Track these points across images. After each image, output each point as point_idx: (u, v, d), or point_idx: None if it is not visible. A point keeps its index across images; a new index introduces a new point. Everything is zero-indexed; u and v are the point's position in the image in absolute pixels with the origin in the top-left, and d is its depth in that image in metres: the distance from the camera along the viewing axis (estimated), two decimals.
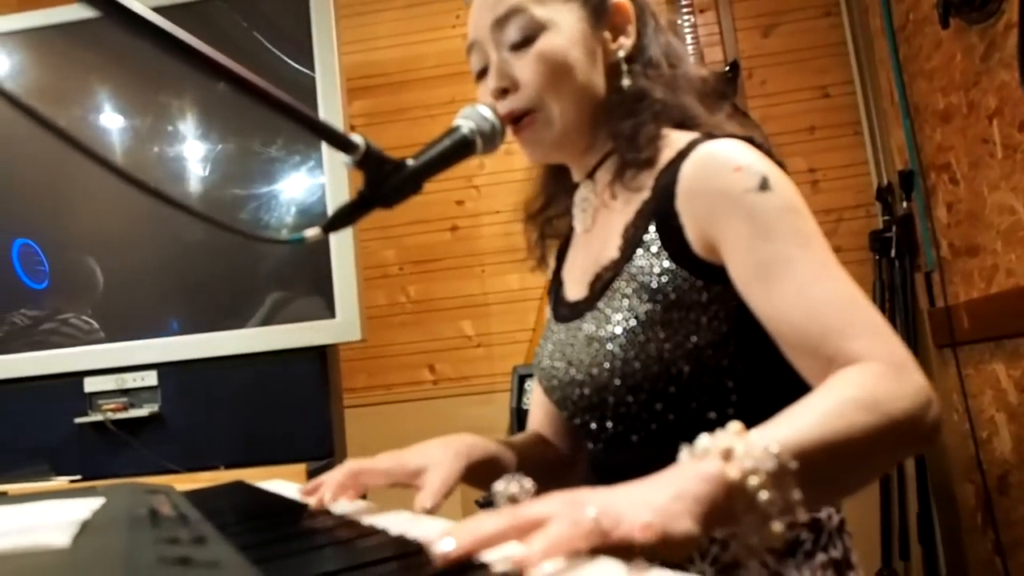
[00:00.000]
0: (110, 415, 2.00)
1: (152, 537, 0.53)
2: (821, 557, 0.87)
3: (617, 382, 0.88)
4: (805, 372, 0.79)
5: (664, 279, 0.87)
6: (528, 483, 0.84)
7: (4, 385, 2.07)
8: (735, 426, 0.60)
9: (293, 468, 1.83)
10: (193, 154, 2.16)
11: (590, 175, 1.03)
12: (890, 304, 2.62)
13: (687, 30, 2.77)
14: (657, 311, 0.86)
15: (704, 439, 0.59)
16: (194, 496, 0.97)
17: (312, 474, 1.83)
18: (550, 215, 1.14)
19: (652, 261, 0.88)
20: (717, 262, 0.85)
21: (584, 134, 0.99)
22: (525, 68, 0.94)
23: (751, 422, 0.63)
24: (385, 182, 0.82)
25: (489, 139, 0.92)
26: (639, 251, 0.90)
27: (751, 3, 2.92)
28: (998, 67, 2.02)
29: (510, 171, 2.69)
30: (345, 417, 2.26)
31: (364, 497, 0.89)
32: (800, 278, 0.78)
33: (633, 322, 0.87)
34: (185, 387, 2.04)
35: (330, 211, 0.82)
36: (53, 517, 0.63)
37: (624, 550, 0.49)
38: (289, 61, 2.11)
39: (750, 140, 0.89)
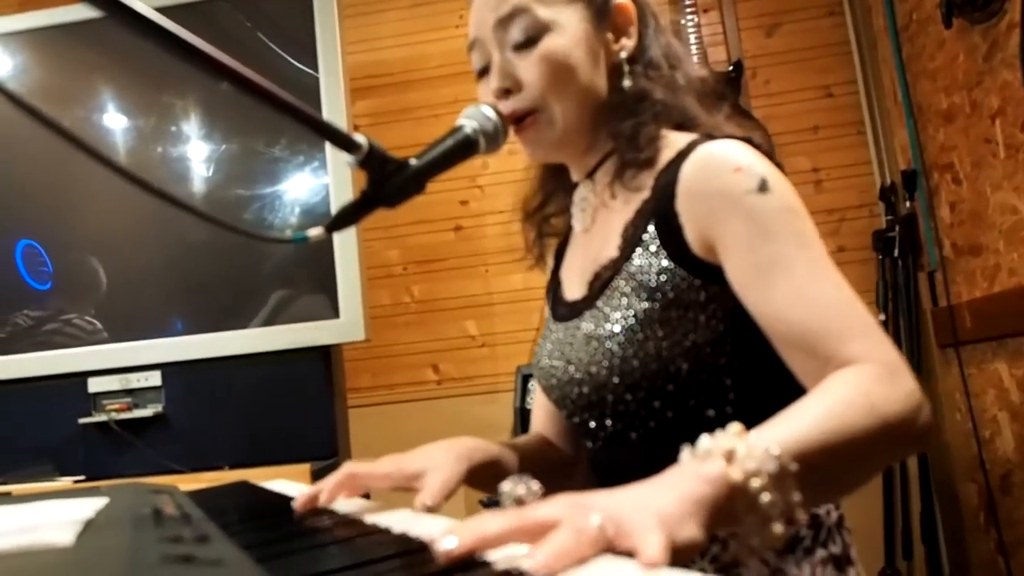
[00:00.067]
0: (114, 415, 2.00)
1: (155, 536, 0.53)
2: (821, 553, 0.87)
3: (616, 380, 0.89)
4: (799, 371, 0.79)
5: (663, 278, 0.87)
6: (535, 485, 0.84)
7: (8, 385, 2.07)
8: (736, 427, 0.61)
9: (297, 468, 1.83)
10: (197, 154, 2.16)
11: (590, 175, 1.03)
12: (893, 304, 2.61)
13: (691, 30, 2.77)
14: (656, 310, 0.87)
15: (705, 440, 0.60)
16: (198, 496, 0.97)
17: (316, 474, 1.84)
18: (547, 213, 1.14)
19: (651, 260, 0.88)
20: (715, 262, 0.85)
21: (585, 134, 0.99)
22: (528, 69, 0.94)
23: (749, 419, 0.64)
24: (388, 182, 0.82)
25: (492, 139, 0.92)
26: (638, 250, 0.90)
27: (754, 3, 2.92)
28: (1001, 67, 2.02)
29: (514, 171, 2.66)
30: (349, 417, 2.26)
31: (367, 497, 0.89)
32: (797, 279, 0.78)
33: (632, 320, 0.87)
34: (189, 387, 2.04)
35: (334, 211, 0.82)
36: (57, 516, 0.64)
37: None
38: (293, 61, 2.11)
39: (749, 141, 0.89)
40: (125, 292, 2.14)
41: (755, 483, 0.57)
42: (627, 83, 0.97)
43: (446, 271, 2.94)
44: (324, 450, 1.99)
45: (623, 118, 0.96)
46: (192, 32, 0.65)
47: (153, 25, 0.63)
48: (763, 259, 0.80)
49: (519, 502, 0.82)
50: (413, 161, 0.84)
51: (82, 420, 2.01)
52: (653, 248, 0.89)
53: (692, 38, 2.77)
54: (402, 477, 0.88)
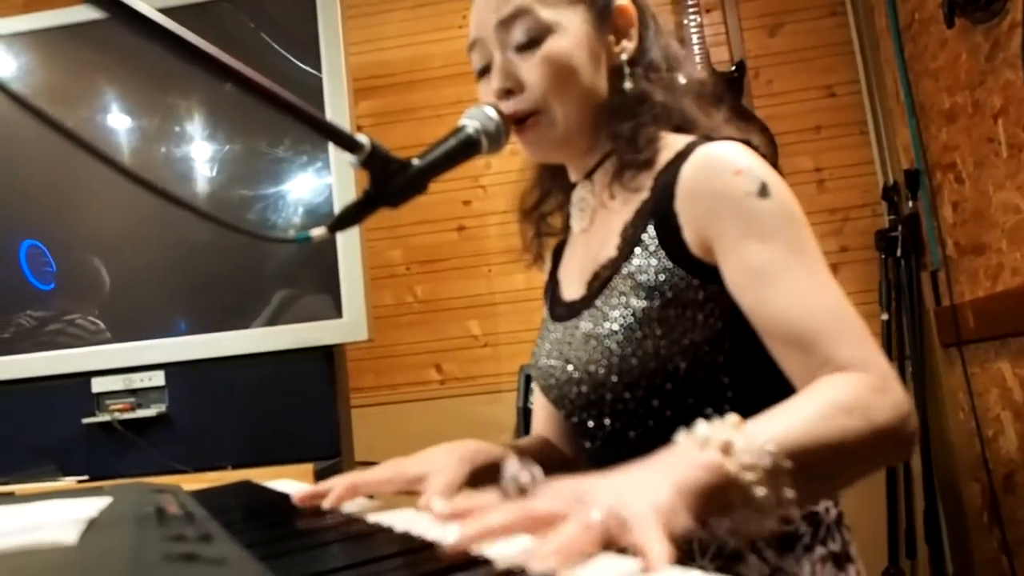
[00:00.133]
0: (117, 415, 2.00)
1: (158, 535, 0.53)
2: (820, 550, 0.88)
3: (614, 379, 0.89)
4: (792, 374, 0.80)
5: (661, 278, 0.88)
6: (538, 471, 0.85)
7: (12, 385, 2.08)
8: (733, 418, 0.62)
9: (300, 468, 1.83)
10: (200, 155, 2.16)
11: (588, 175, 1.04)
12: (896, 303, 2.61)
13: (693, 30, 2.76)
14: (654, 309, 0.87)
15: (703, 427, 0.61)
16: (201, 495, 0.98)
17: (319, 474, 1.84)
18: (544, 211, 1.15)
19: (650, 260, 0.89)
20: (713, 262, 0.86)
21: (586, 135, 1.00)
22: (531, 70, 0.95)
23: (747, 417, 0.65)
24: (391, 182, 0.82)
25: (494, 139, 0.92)
26: (637, 250, 0.90)
27: (757, 3, 2.91)
28: (1003, 66, 2.02)
29: (516, 171, 2.69)
30: (352, 417, 2.26)
31: (371, 496, 0.89)
32: (794, 285, 0.79)
33: (631, 319, 0.88)
34: (192, 387, 2.05)
35: (337, 211, 0.82)
36: (60, 515, 0.64)
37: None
38: (296, 62, 2.11)
39: (747, 143, 0.89)
40: (129, 292, 2.15)
41: (749, 476, 0.58)
42: (628, 85, 0.98)
43: (449, 271, 2.94)
44: (327, 450, 1.99)
45: (623, 119, 0.96)
46: (195, 33, 0.66)
47: (157, 26, 0.63)
48: (760, 263, 0.81)
49: (521, 488, 0.83)
50: (416, 161, 0.84)
51: (85, 420, 2.01)
52: (652, 248, 0.89)
53: (695, 38, 2.76)
54: (404, 481, 0.88)
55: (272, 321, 2.05)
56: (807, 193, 2.80)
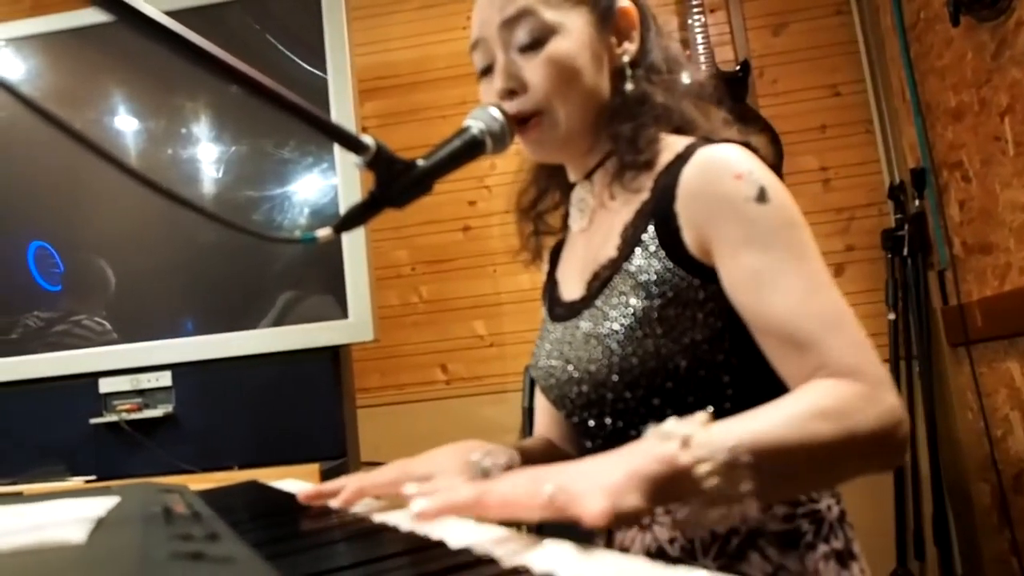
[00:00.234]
0: (125, 416, 2.01)
1: (166, 533, 0.54)
2: (823, 548, 0.88)
3: (615, 378, 0.89)
4: (786, 376, 0.81)
5: (662, 278, 0.88)
6: (502, 459, 0.86)
7: (20, 386, 2.09)
8: (702, 416, 0.65)
9: (306, 468, 1.84)
10: (206, 156, 2.17)
11: (588, 176, 1.04)
12: (903, 303, 2.61)
13: (697, 30, 2.76)
14: (654, 308, 0.87)
15: (670, 423, 0.64)
16: (208, 495, 0.98)
17: (325, 474, 1.84)
18: (542, 209, 1.15)
19: (650, 260, 0.89)
20: (711, 264, 0.86)
21: (587, 136, 1.00)
22: (534, 71, 0.95)
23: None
24: (396, 182, 0.82)
25: (499, 139, 0.92)
26: (638, 250, 0.91)
27: (761, 2, 2.91)
28: (1009, 64, 2.01)
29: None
30: (358, 417, 2.27)
31: (377, 497, 0.90)
32: (790, 289, 0.80)
33: (631, 319, 0.88)
34: (199, 387, 2.05)
35: (342, 212, 0.82)
36: (69, 514, 0.64)
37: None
38: (301, 63, 2.12)
39: (747, 145, 0.90)
40: (136, 293, 2.16)
41: (702, 469, 0.61)
42: (629, 87, 0.98)
43: (454, 271, 2.94)
44: (333, 450, 2.00)
45: (624, 121, 0.97)
46: (201, 35, 0.66)
47: (163, 29, 0.64)
48: (758, 268, 0.81)
49: (485, 473, 0.84)
50: (421, 162, 0.85)
51: (93, 420, 2.02)
52: (652, 248, 0.90)
53: (699, 38, 2.76)
54: (410, 481, 0.88)
55: (278, 322, 2.06)
56: (812, 192, 2.80)
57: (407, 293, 2.95)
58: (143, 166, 2.20)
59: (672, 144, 0.95)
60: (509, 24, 0.96)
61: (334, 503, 0.84)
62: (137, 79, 2.23)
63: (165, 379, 2.05)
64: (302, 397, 2.03)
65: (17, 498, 0.98)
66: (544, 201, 1.15)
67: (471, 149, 0.90)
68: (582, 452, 1.10)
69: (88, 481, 1.99)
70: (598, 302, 0.93)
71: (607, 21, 0.99)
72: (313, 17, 2.11)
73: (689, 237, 0.87)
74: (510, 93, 0.96)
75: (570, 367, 0.95)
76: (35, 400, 2.08)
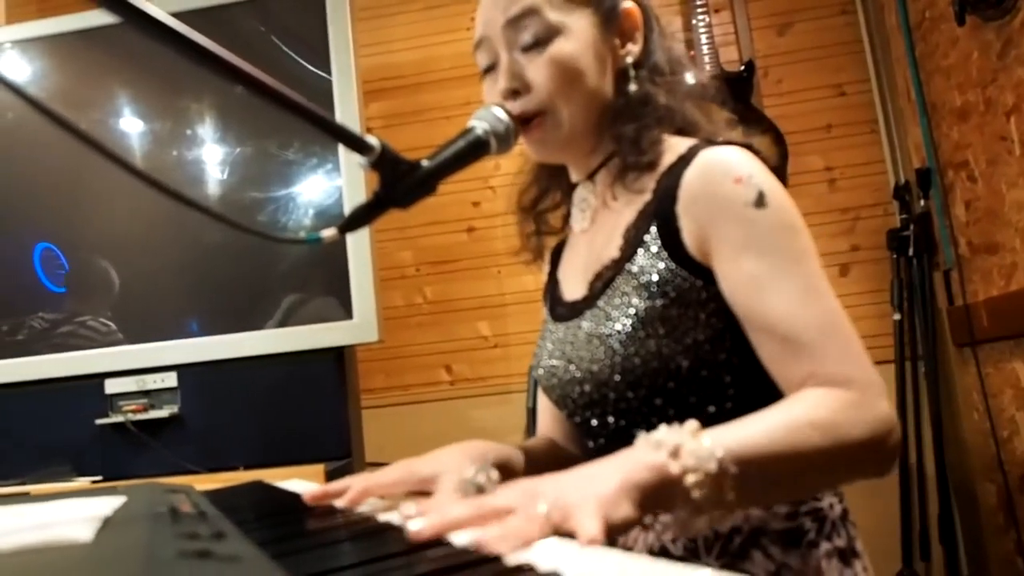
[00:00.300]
0: (131, 416, 2.02)
1: (172, 532, 0.54)
2: (825, 546, 0.88)
3: (617, 378, 0.90)
4: (780, 380, 0.82)
5: (664, 278, 0.88)
6: (494, 474, 0.86)
7: (26, 387, 2.09)
8: (692, 425, 0.66)
9: (311, 468, 1.84)
10: (211, 157, 2.18)
11: (590, 176, 1.04)
12: (909, 303, 2.60)
13: (702, 30, 2.76)
14: (657, 308, 0.88)
15: (661, 431, 0.65)
16: (213, 495, 0.98)
17: (330, 474, 1.85)
18: (542, 208, 1.15)
19: (652, 261, 0.90)
20: (710, 265, 0.87)
21: (590, 137, 1.00)
22: (537, 71, 0.95)
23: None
24: (400, 183, 0.83)
25: (503, 140, 0.92)
26: (640, 251, 0.91)
27: (766, 2, 2.91)
28: (1015, 64, 2.01)
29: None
30: (363, 418, 2.27)
31: (382, 497, 0.90)
32: (785, 295, 0.81)
33: (634, 319, 0.88)
34: (205, 388, 2.06)
35: (347, 212, 0.82)
36: (75, 513, 0.64)
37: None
38: (306, 64, 2.12)
39: (749, 147, 0.90)
40: (141, 294, 2.16)
41: (691, 479, 0.63)
42: (633, 88, 0.98)
43: (459, 272, 2.95)
44: (338, 450, 2.00)
45: (627, 121, 0.97)
46: (206, 36, 0.66)
47: (168, 30, 0.64)
48: (755, 273, 0.82)
49: (479, 489, 0.84)
50: (425, 162, 0.85)
51: (99, 421, 2.03)
52: (655, 249, 0.90)
53: (704, 38, 2.76)
54: (415, 481, 0.88)
55: (283, 322, 2.06)
56: (818, 192, 2.79)
57: (411, 294, 2.96)
58: (149, 167, 2.21)
59: (675, 145, 0.95)
60: (513, 24, 0.96)
61: (339, 503, 0.84)
62: (143, 80, 2.23)
63: (171, 380, 2.05)
64: (307, 398, 2.03)
65: (24, 498, 0.98)
66: (545, 201, 1.15)
67: (475, 150, 0.90)
68: (585, 452, 1.10)
69: (94, 481, 1.99)
70: (600, 302, 0.93)
71: (611, 22, 0.99)
72: (317, 18, 2.11)
73: (689, 239, 0.88)
74: (513, 93, 0.96)
75: (572, 367, 0.95)
76: (41, 401, 2.09)
